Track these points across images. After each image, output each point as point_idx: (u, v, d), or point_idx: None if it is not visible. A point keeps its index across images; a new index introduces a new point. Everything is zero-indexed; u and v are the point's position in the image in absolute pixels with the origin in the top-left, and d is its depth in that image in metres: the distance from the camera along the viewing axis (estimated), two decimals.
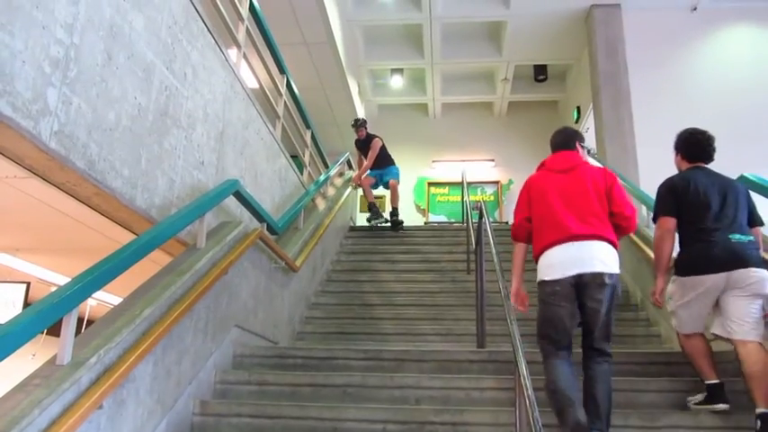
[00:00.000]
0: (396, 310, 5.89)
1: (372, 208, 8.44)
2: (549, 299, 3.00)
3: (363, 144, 8.55)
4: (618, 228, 3.14)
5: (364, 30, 10.68)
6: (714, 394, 3.08)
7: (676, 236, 3.38)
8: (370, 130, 12.56)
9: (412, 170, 12.76)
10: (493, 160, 12.55)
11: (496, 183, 12.50)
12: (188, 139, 3.94)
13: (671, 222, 3.33)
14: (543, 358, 3.03)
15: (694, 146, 3.54)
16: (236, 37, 5.04)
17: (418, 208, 12.74)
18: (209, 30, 4.25)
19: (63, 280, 5.20)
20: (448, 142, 12.66)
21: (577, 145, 3.43)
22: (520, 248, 3.37)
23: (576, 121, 10.84)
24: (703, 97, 8.20)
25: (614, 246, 3.06)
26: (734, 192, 3.30)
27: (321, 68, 9.61)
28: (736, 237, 3.14)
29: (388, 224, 8.30)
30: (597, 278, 2.92)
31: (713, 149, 3.50)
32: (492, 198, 12.35)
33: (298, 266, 5.24)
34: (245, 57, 5.18)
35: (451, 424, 3.15)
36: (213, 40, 4.33)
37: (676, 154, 3.64)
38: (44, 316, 2.22)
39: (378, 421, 3.20)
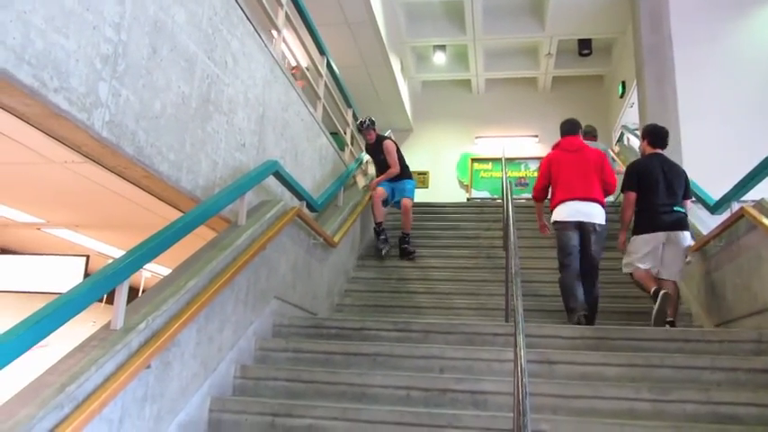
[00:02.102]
0: (431, 284, 6.10)
1: (380, 232, 6.74)
2: (561, 231, 4.70)
3: (375, 148, 6.98)
4: (605, 190, 4.79)
5: (405, 7, 10.74)
6: (655, 295, 4.31)
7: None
8: (416, 107, 12.85)
9: (455, 146, 12.86)
10: (537, 136, 12.49)
11: (540, 158, 12.43)
12: (229, 123, 4.21)
13: (632, 196, 4.65)
14: (560, 270, 4.68)
15: (657, 136, 4.84)
16: (276, 22, 5.26)
17: (461, 184, 12.84)
18: (248, 18, 4.47)
19: (118, 253, 5.61)
20: (491, 118, 12.66)
21: (580, 133, 5.04)
22: (539, 205, 5.21)
23: (621, 96, 10.69)
24: (750, 72, 7.95)
25: (602, 205, 4.71)
26: (677, 175, 4.64)
27: (363, 47, 9.74)
28: (676, 208, 4.52)
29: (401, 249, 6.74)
30: (590, 226, 4.63)
31: (668, 140, 4.85)
32: (536, 174, 12.31)
33: (336, 242, 5.49)
34: (284, 41, 5.39)
35: (470, 392, 3.36)
36: (252, 28, 4.55)
37: (643, 140, 4.94)
38: (99, 286, 2.52)
39: (402, 387, 3.44)
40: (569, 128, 5.03)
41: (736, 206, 4.46)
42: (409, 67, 12.17)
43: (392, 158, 6.82)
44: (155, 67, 3.30)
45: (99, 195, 3.90)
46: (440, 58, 11.78)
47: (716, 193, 5.04)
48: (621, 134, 9.76)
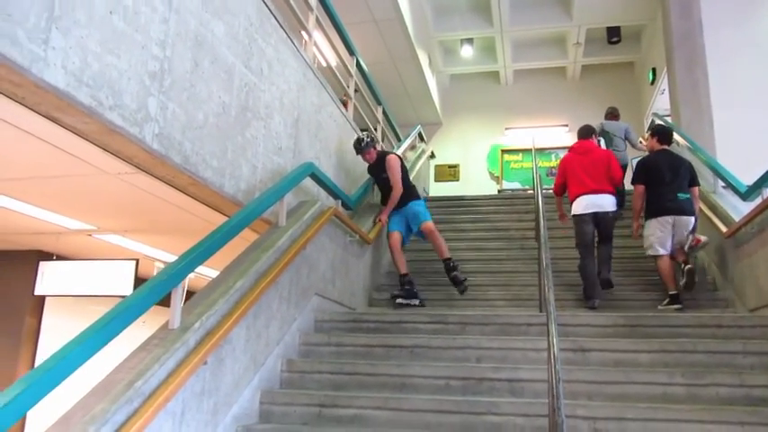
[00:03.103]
0: (466, 276, 6.20)
1: (408, 284, 5.58)
2: (579, 222, 5.49)
3: (377, 168, 5.90)
4: (613, 184, 5.52)
5: (432, 2, 10.82)
6: (673, 299, 4.91)
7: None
8: (445, 101, 12.90)
9: (485, 138, 12.91)
10: (567, 125, 12.45)
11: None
12: (267, 128, 4.39)
13: (641, 188, 5.34)
14: (580, 257, 5.40)
15: (664, 135, 5.57)
16: (306, 26, 5.43)
17: (492, 175, 12.89)
18: (281, 25, 4.64)
19: (166, 256, 5.87)
20: (521, 109, 12.67)
21: (593, 137, 5.95)
22: (558, 199, 6.00)
23: (652, 83, 10.60)
24: None
25: (612, 194, 5.47)
26: (682, 166, 5.30)
27: (390, 44, 9.86)
28: (680, 195, 5.15)
29: (420, 304, 5.56)
30: (603, 214, 5.41)
31: (673, 138, 5.73)
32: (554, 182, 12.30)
33: (371, 239, 5.66)
34: (315, 44, 5.56)
35: (507, 380, 3.49)
36: (285, 34, 4.73)
37: (652, 137, 5.59)
38: (158, 289, 2.72)
39: (441, 377, 3.59)
40: (584, 133, 5.97)
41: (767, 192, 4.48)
42: (437, 61, 12.26)
43: (394, 176, 5.70)
44: (197, 80, 3.49)
45: (148, 202, 4.12)
46: (467, 51, 11.83)
47: (749, 179, 5.05)
48: (652, 121, 9.70)
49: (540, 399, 3.31)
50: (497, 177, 12.76)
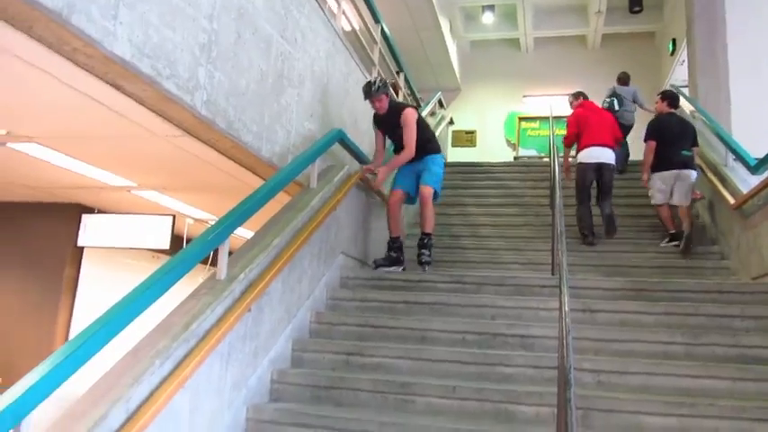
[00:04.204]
0: (481, 240, 6.48)
1: (396, 250, 5.20)
2: (583, 170, 6.16)
3: (388, 120, 5.13)
4: (616, 141, 6.42)
5: None
6: (672, 237, 5.75)
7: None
8: (464, 67, 12.99)
9: (503, 105, 13.03)
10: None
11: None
12: (299, 96, 4.64)
13: (653, 144, 5.95)
14: (577, 203, 6.14)
15: (673, 99, 6.32)
16: None
17: (508, 142, 13.05)
18: None
19: (199, 213, 6.19)
20: (539, 77, 12.73)
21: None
22: (566, 150, 6.66)
23: (672, 53, 10.64)
24: None
25: (614, 149, 6.27)
26: (687, 128, 6.05)
27: (414, 10, 9.96)
28: (684, 152, 5.84)
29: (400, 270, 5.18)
30: (607, 165, 6.13)
31: (679, 102, 6.44)
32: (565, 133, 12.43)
33: None
34: (343, 13, 5.75)
35: (520, 336, 3.80)
36: (317, 4, 4.93)
37: (662, 101, 6.28)
38: (209, 244, 3.02)
39: (458, 332, 3.90)
40: (581, 94, 7.01)
41: None
42: (458, 27, 12.32)
43: (409, 134, 4.98)
44: (240, 50, 3.74)
45: (188, 162, 4.40)
46: (488, 18, 11.89)
47: (765, 151, 5.24)
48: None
49: (549, 353, 3.62)
50: (514, 144, 12.91)
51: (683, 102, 7.17)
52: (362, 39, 6.56)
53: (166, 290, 2.61)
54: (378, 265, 5.11)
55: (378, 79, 5.28)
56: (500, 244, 6.35)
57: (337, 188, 4.55)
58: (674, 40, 10.50)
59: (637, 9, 11.01)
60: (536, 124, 12.76)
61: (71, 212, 5.99)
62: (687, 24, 8.71)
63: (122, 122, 3.50)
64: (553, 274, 4.99)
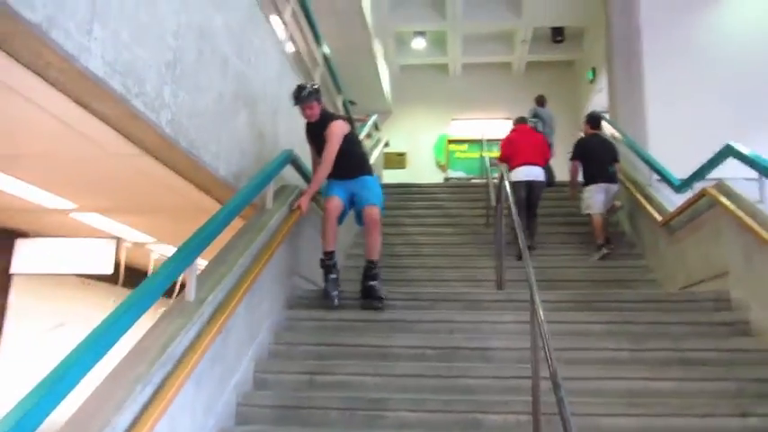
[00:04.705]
0: (423, 259, 6.63)
1: (331, 267, 4.61)
2: (516, 188, 6.29)
3: (318, 132, 4.63)
4: (544, 160, 6.97)
5: None
6: (599, 248, 6.23)
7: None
8: (395, 90, 13.28)
9: (433, 128, 13.40)
10: (510, 119, 13.05)
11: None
12: (253, 115, 4.64)
13: (578, 164, 6.74)
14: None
15: (595, 121, 7.15)
16: (284, 18, 5.66)
17: (438, 164, 13.40)
18: (266, 17, 4.88)
19: (141, 236, 6.00)
20: (467, 101, 13.21)
21: (528, 123, 7.67)
22: (504, 165, 6.63)
23: (591, 82, 11.33)
24: (715, 60, 8.50)
25: (542, 168, 6.84)
26: (609, 147, 6.84)
27: (348, 34, 10.12)
28: (610, 168, 6.52)
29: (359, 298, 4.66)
30: (536, 182, 6.70)
31: (601, 124, 7.23)
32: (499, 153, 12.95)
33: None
34: (290, 36, 5.81)
35: (480, 349, 3.93)
36: (270, 27, 4.97)
37: (586, 124, 7.12)
38: (178, 265, 2.95)
39: (419, 347, 3.99)
40: (521, 120, 7.77)
41: (698, 186, 5.09)
42: (390, 51, 12.61)
43: (329, 147, 4.48)
44: (200, 70, 3.72)
45: (138, 183, 4.29)
46: (419, 44, 12.26)
47: (679, 173, 5.69)
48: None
49: (508, 364, 3.80)
50: (443, 166, 13.27)
51: (604, 124, 7.68)
52: (306, 60, 6.64)
53: (143, 313, 2.56)
54: (328, 294, 4.52)
55: (310, 84, 4.76)
56: (442, 262, 6.51)
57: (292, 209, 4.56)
58: (593, 69, 11.19)
59: (559, 39, 11.68)
60: (464, 147, 13.19)
61: (2, 238, 5.65)
62: (607, 53, 9.29)
63: (75, 140, 3.40)
64: (499, 289, 5.20)
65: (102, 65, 2.70)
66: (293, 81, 5.69)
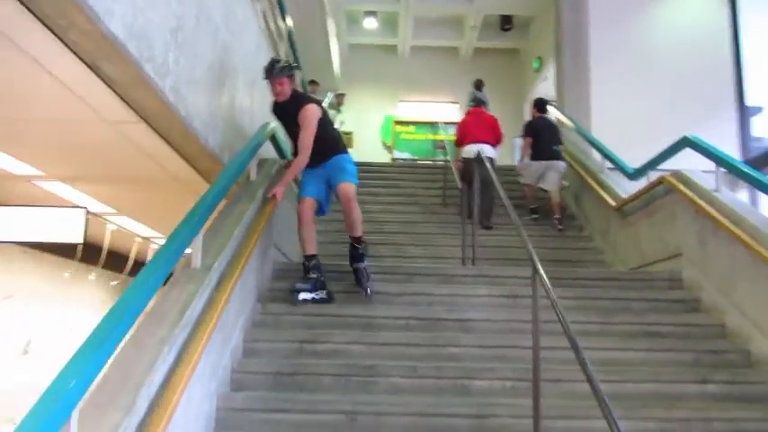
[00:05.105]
0: (387, 236, 6.77)
1: (312, 268, 4.40)
2: (468, 163, 6.77)
3: (287, 111, 4.37)
4: (497, 141, 7.32)
5: None
6: (532, 211, 7.15)
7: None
8: (344, 69, 13.25)
9: (380, 109, 13.50)
10: (457, 102, 13.37)
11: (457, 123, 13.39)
12: (235, 87, 4.63)
13: (529, 140, 7.29)
14: (467, 187, 6.35)
15: (542, 106, 7.70)
16: None
17: (384, 145, 13.53)
18: None
19: (103, 207, 5.83)
20: (415, 83, 13.38)
21: (483, 106, 7.86)
22: (457, 150, 7.45)
23: (537, 70, 11.73)
24: (656, 55, 9.04)
25: (494, 146, 7.24)
26: (554, 128, 7.52)
27: (303, 9, 10.04)
28: (554, 147, 7.13)
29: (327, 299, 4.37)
30: (486, 159, 6.27)
31: (547, 107, 7.79)
32: (453, 137, 13.24)
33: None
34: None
35: (460, 320, 4.14)
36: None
37: (534, 108, 7.70)
38: (179, 245, 2.93)
39: (402, 318, 4.15)
40: (477, 103, 7.99)
41: (651, 175, 5.48)
42: (341, 30, 12.57)
43: (306, 132, 4.24)
44: (197, 38, 3.70)
45: (118, 150, 4.21)
46: (371, 23, 12.29)
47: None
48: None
49: (486, 334, 4.03)
50: (389, 147, 13.43)
51: (551, 109, 8.14)
52: (274, 35, 6.59)
53: (165, 277, 2.59)
54: (298, 291, 4.24)
55: (284, 59, 4.59)
56: (406, 239, 6.69)
57: (274, 181, 4.59)
58: (539, 59, 11.59)
59: (507, 27, 12.01)
60: (411, 128, 13.38)
61: None
62: (556, 45, 9.68)
63: (71, 104, 3.32)
64: (464, 265, 5.43)
65: (123, 28, 2.68)
66: (267, 55, 5.68)
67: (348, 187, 4.35)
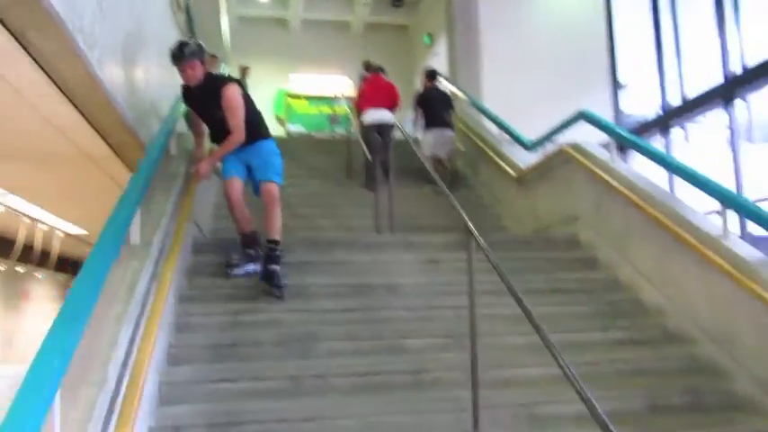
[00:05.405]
0: (294, 209, 6.78)
1: (249, 242, 4.34)
2: (368, 129, 7.20)
3: (201, 97, 4.09)
4: (394, 106, 7.53)
5: None
6: (432, 181, 6.15)
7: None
8: (234, 42, 12.91)
9: (272, 82, 13.31)
10: (348, 76, 13.46)
11: (350, 98, 13.51)
12: (148, 59, 4.49)
13: (421, 110, 7.61)
14: (370, 154, 6.63)
15: (433, 75, 8.07)
16: None
17: (277, 118, 13.39)
18: None
19: None
20: (307, 57, 13.32)
21: (381, 73, 7.90)
22: (355, 113, 7.83)
23: (428, 46, 12.08)
24: (541, 36, 9.60)
25: (391, 111, 7.45)
26: (445, 97, 7.86)
27: None
28: (446, 116, 7.56)
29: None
30: (386, 124, 7.27)
31: (438, 77, 8.13)
32: (346, 111, 13.35)
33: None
34: None
35: (385, 285, 4.35)
36: None
37: (426, 77, 8.03)
38: (121, 222, 2.90)
39: (331, 285, 4.30)
40: (375, 70, 8.09)
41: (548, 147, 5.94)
42: (231, 2, 12.23)
43: (236, 118, 4.03)
44: (118, 7, 3.58)
45: (22, 124, 3.99)
46: None
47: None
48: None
49: (414, 297, 4.27)
50: (282, 120, 13.31)
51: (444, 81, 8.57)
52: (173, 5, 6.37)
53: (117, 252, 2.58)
54: (231, 266, 4.22)
55: (192, 40, 4.29)
56: (312, 211, 6.76)
57: (193, 156, 4.53)
58: (430, 35, 11.94)
59: (398, 3, 12.23)
60: (304, 102, 13.33)
61: None
62: (448, 25, 10.02)
63: None
64: (379, 233, 5.62)
65: None
66: (171, 26, 5.52)
67: (272, 188, 4.23)
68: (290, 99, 13.38)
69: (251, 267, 4.26)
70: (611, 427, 2.10)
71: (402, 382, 3.46)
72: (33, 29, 2.66)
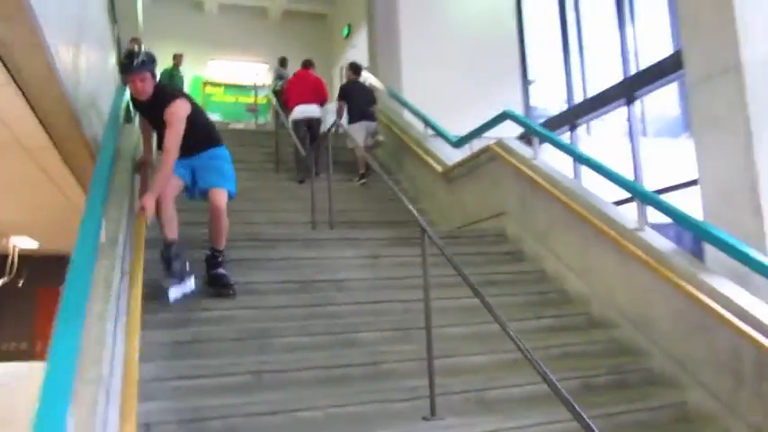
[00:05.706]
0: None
1: (176, 257, 3.92)
2: (297, 126, 7.66)
3: (153, 108, 3.88)
4: (320, 99, 7.96)
5: None
6: (361, 176, 7.37)
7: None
8: (147, 24, 12.33)
9: (188, 69, 12.91)
10: (267, 63, 13.32)
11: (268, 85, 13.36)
12: (89, 46, 4.36)
13: (343, 104, 7.77)
14: (303, 148, 6.95)
15: (357, 70, 8.24)
16: None
17: None
18: None
19: None
20: (223, 44, 13.06)
21: (310, 68, 8.27)
22: (287, 109, 8.04)
23: (346, 37, 12.18)
24: (457, 31, 9.88)
25: (319, 106, 7.95)
26: (368, 91, 8.14)
27: None
28: (369, 109, 7.75)
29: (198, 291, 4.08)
30: (314, 119, 7.80)
31: (362, 72, 8.39)
32: (265, 100, 13.21)
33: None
34: None
35: (333, 281, 4.49)
36: None
37: (349, 71, 8.21)
38: (96, 220, 2.89)
39: (277, 282, 4.39)
40: (304, 65, 8.37)
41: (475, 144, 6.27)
42: None
43: (172, 136, 3.77)
44: None
45: None
46: None
47: None
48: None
49: (359, 292, 4.44)
50: None
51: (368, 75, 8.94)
52: None
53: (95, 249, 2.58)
54: (169, 287, 3.88)
55: (142, 51, 3.99)
56: (245, 206, 6.71)
57: (136, 152, 4.47)
58: (349, 26, 12.05)
59: None
60: (220, 90, 13.08)
61: None
62: (368, 17, 10.16)
63: None
64: (314, 228, 5.71)
65: None
66: (103, 11, 5.34)
67: (220, 195, 4.00)
68: (206, 87, 13.09)
69: (187, 289, 3.97)
70: (574, 404, 2.40)
71: (359, 374, 3.63)
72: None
